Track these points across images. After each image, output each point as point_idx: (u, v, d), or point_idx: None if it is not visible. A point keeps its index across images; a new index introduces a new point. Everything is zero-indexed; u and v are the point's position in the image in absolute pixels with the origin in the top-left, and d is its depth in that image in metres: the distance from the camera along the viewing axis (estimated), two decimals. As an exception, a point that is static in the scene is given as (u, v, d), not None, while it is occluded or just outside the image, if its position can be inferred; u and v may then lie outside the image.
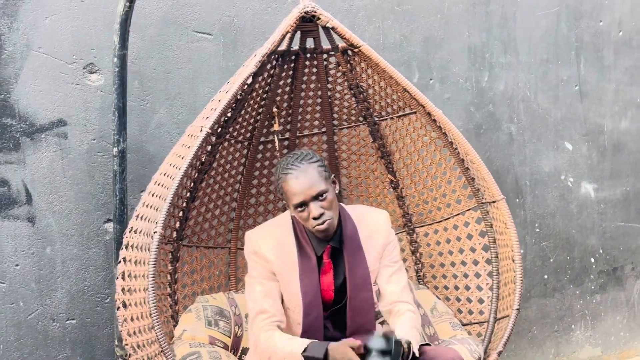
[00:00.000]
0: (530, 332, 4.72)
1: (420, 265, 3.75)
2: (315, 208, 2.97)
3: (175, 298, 3.53)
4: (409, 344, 2.86)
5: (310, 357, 2.90)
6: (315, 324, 3.08)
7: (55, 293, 3.70)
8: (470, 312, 3.50)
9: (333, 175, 3.10)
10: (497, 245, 3.38)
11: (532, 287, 4.72)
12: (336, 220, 3.05)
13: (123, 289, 3.13)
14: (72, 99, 3.69)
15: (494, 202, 3.33)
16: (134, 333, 3.13)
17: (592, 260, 4.89)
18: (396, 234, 3.72)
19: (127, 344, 3.17)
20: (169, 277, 3.51)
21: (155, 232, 3.11)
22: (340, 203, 3.22)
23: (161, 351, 3.01)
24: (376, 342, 2.79)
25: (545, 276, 4.75)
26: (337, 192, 3.08)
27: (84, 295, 3.75)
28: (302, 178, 2.97)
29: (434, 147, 3.54)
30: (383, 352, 2.78)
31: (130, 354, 3.16)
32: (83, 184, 3.73)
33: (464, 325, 3.47)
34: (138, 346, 3.10)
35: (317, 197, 2.97)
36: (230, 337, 3.43)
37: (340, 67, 3.56)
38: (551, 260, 4.76)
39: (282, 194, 3.04)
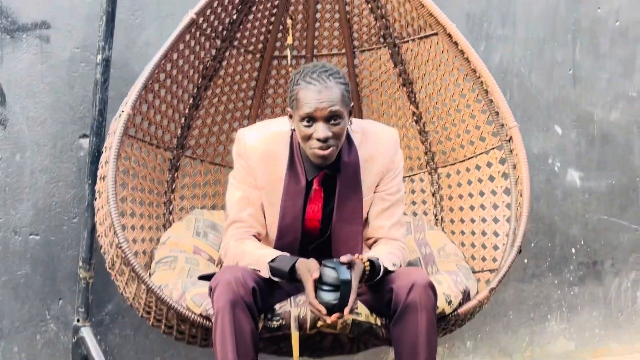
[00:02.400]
0: (505, 316, 4.55)
1: (439, 208, 3.53)
2: (323, 129, 2.67)
3: (171, 208, 3.40)
4: (372, 262, 2.68)
5: (276, 268, 2.69)
6: (288, 252, 2.80)
7: (20, 204, 3.46)
8: (484, 259, 3.27)
9: (352, 105, 2.82)
10: (517, 188, 3.18)
11: (511, 271, 4.52)
12: (338, 150, 2.77)
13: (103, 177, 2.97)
14: (58, 2, 3.51)
15: (510, 139, 3.18)
16: (100, 224, 3.02)
17: (573, 250, 4.76)
18: (417, 174, 3.56)
19: (99, 235, 3.03)
20: (165, 185, 3.39)
21: (123, 111, 2.94)
22: None
23: (118, 245, 2.82)
24: (327, 274, 2.59)
25: (525, 260, 4.60)
26: (350, 124, 2.82)
27: (51, 211, 3.51)
28: (325, 93, 2.66)
29: (456, 76, 3.33)
30: (333, 287, 2.58)
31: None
32: (61, 93, 3.52)
33: (475, 272, 3.25)
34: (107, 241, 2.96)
35: (330, 118, 2.68)
36: (217, 251, 3.22)
37: (354, -24, 3.43)
38: (532, 244, 4.62)
39: (293, 100, 2.72)
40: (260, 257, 2.72)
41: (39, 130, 3.48)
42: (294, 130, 2.83)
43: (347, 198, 2.83)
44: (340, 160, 2.81)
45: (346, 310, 2.56)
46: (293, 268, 2.67)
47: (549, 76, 4.66)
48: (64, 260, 3.53)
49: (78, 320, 3.43)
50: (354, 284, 2.58)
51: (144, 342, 3.68)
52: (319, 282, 2.60)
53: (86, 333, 3.41)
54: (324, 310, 2.58)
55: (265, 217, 2.89)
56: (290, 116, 2.79)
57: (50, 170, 3.50)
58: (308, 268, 2.63)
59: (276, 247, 2.84)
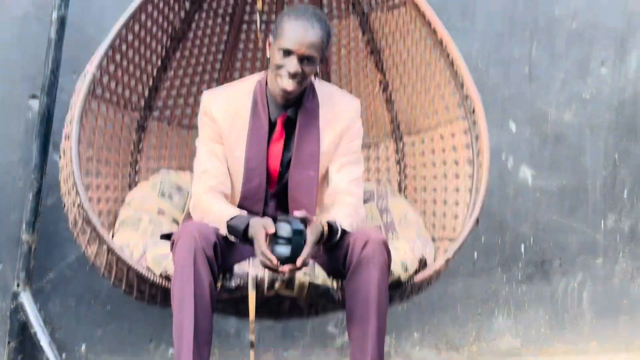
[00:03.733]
0: (453, 309, 4.52)
1: (403, 176, 3.56)
2: (296, 65, 2.80)
3: (137, 168, 3.39)
4: (330, 225, 2.72)
5: (232, 226, 2.73)
6: (256, 195, 2.93)
7: (-38, 162, 3.34)
8: (444, 228, 3.30)
9: (326, 55, 3.00)
10: (479, 160, 3.20)
11: (461, 264, 4.53)
12: (299, 90, 2.89)
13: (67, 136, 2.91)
14: (13, -43, 3.41)
15: (474, 110, 3.21)
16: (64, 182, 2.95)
17: (522, 248, 4.75)
18: (382, 141, 3.61)
19: (62, 194, 2.97)
20: (132, 146, 3.37)
21: (88, 71, 2.89)
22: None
23: (80, 205, 2.77)
24: (281, 228, 2.63)
25: (475, 255, 4.58)
26: (316, 71, 2.95)
27: (-5, 171, 3.40)
28: (310, 33, 2.80)
29: (423, 45, 3.37)
30: (287, 240, 2.61)
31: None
32: (12, 51, 3.44)
33: (434, 240, 3.29)
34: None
35: (305, 58, 2.81)
36: (182, 213, 3.28)
37: (324, -59, 3.43)
38: (482, 239, 4.60)
39: (278, 29, 2.84)
40: (223, 216, 2.76)
41: (-13, 88, 3.38)
42: (260, 80, 2.97)
43: (305, 141, 2.92)
44: (302, 105, 2.93)
45: (298, 260, 2.58)
46: (247, 227, 2.70)
47: (505, 72, 4.66)
48: (6, 223, 3.42)
49: (18, 285, 3.33)
50: (309, 238, 2.61)
51: (86, 313, 3.57)
52: (274, 237, 2.62)
53: (26, 299, 3.31)
54: (274, 260, 2.59)
55: (230, 172, 2.95)
56: (269, 44, 2.90)
57: (-4, 130, 3.40)
58: (263, 224, 2.66)
59: (243, 192, 2.92)
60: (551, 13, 4.78)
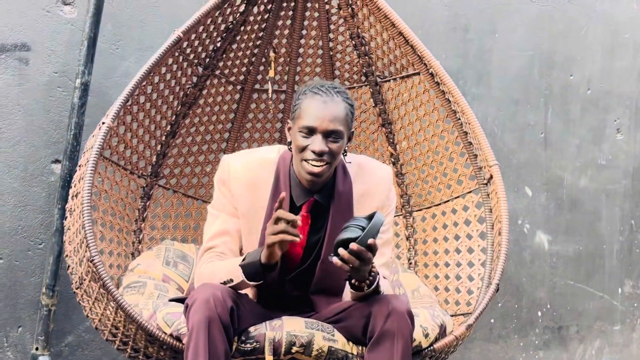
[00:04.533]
0: (470, 375, 4.49)
1: (413, 252, 3.46)
2: (320, 143, 2.58)
3: (140, 237, 3.30)
4: (376, 274, 2.59)
5: (247, 265, 2.55)
6: (270, 283, 2.68)
7: (-14, 226, 3.38)
8: (457, 303, 3.20)
9: (353, 131, 2.74)
10: (494, 232, 3.11)
11: (478, 329, 4.52)
12: (329, 174, 2.69)
13: (73, 196, 2.87)
14: (40, 26, 3.48)
15: (491, 177, 3.11)
16: (69, 243, 2.90)
17: (539, 314, 4.73)
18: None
19: (67, 255, 2.90)
20: (136, 213, 3.30)
21: (104, 122, 2.88)
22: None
23: (90, 258, 2.66)
24: (358, 219, 2.50)
25: (492, 320, 4.57)
26: (345, 154, 2.76)
27: (17, 235, 3.43)
28: (331, 106, 2.59)
29: (436, 117, 3.31)
30: (362, 228, 2.47)
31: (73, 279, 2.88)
32: (36, 116, 3.48)
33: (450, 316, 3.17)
34: (78, 262, 2.82)
35: (330, 134, 2.60)
36: (187, 282, 3.14)
37: (341, 12, 3.40)
38: (499, 304, 4.59)
39: (295, 110, 2.64)
40: (231, 266, 2.60)
41: (11, 152, 3.43)
42: (281, 156, 2.77)
43: (338, 229, 2.61)
44: (335, 189, 2.73)
45: (371, 240, 2.43)
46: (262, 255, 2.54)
47: (520, 138, 4.70)
48: (27, 286, 3.44)
49: (37, 349, 3.33)
50: (374, 237, 2.46)
51: (103, 377, 3.57)
52: (348, 223, 2.49)
53: (44, 362, 3.31)
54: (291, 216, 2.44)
55: (243, 247, 2.77)
56: (289, 129, 2.71)
57: (19, 194, 3.44)
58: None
59: None
60: (566, 80, 4.83)
